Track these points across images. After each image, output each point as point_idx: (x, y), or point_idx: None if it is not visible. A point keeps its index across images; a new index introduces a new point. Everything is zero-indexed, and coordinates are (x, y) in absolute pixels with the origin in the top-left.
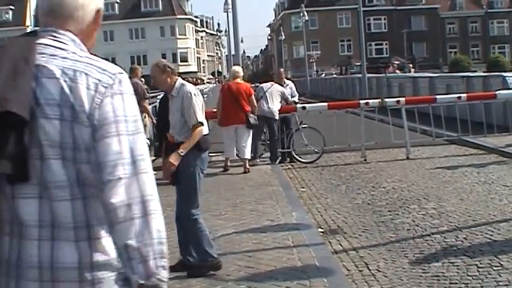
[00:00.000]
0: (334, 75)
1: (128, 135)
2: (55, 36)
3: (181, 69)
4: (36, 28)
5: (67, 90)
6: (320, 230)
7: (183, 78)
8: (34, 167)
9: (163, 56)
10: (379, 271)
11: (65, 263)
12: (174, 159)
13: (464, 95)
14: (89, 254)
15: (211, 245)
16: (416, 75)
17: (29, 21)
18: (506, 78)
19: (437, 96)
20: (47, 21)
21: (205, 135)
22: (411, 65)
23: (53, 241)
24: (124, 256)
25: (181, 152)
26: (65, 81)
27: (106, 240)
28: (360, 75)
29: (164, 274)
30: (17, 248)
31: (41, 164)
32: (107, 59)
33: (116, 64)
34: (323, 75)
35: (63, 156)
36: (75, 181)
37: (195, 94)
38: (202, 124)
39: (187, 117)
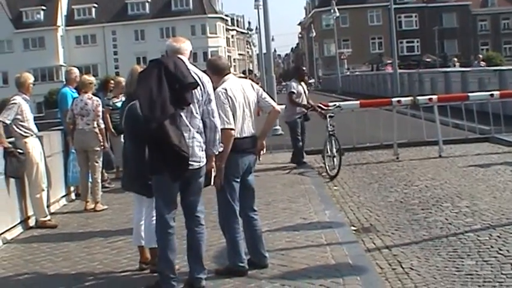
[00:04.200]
0: (357, 73)
1: (214, 100)
2: (183, 60)
3: None
4: (163, 55)
5: (201, 79)
6: (353, 228)
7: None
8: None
9: (194, 55)
10: (412, 269)
11: (197, 139)
12: (211, 165)
13: (497, 92)
14: (200, 138)
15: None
16: (448, 70)
17: (60, 21)
18: None
19: (470, 94)
20: (176, 54)
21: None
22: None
23: (193, 132)
24: (212, 142)
25: (220, 163)
26: (199, 76)
27: (203, 135)
28: (391, 71)
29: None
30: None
31: (192, 105)
32: (138, 58)
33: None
34: (347, 73)
35: (198, 103)
36: (200, 111)
37: (224, 94)
38: (226, 129)
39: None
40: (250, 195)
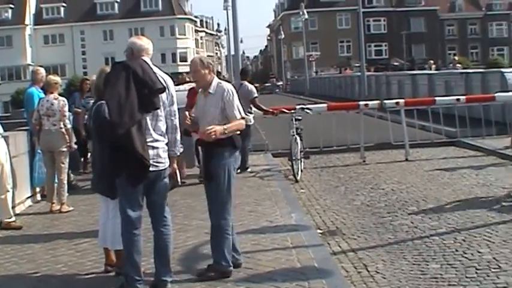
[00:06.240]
0: (322, 75)
1: (176, 102)
2: (146, 61)
3: (181, 69)
4: (124, 59)
5: (165, 81)
6: (319, 231)
7: (181, 75)
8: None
9: (163, 56)
10: (377, 273)
11: (161, 142)
12: (219, 129)
13: (463, 97)
14: (163, 140)
15: (229, 249)
16: (414, 72)
17: (28, 20)
18: (505, 74)
19: (437, 98)
20: (142, 55)
21: (238, 134)
22: None
23: (156, 135)
24: (173, 143)
25: (226, 129)
26: (164, 79)
27: (166, 136)
28: (359, 74)
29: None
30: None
31: (159, 108)
32: (106, 58)
33: None
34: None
35: (163, 106)
36: (164, 115)
37: (233, 91)
38: (244, 118)
39: (231, 113)
40: None
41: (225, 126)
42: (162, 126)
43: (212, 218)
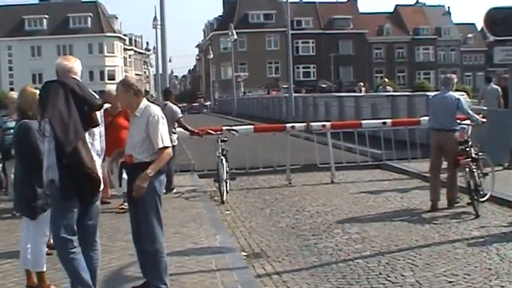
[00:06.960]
0: (249, 95)
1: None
2: (78, 80)
3: (108, 87)
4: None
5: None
6: (244, 253)
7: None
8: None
9: (91, 74)
10: None
11: (97, 162)
12: (142, 181)
13: (389, 120)
14: (99, 160)
15: (166, 272)
16: (342, 94)
17: None
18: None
19: (363, 122)
20: (69, 75)
21: None
22: None
23: (93, 153)
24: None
25: (150, 173)
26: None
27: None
28: (287, 95)
29: None
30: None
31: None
32: (34, 75)
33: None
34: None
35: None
36: (100, 134)
37: (162, 117)
38: (168, 147)
39: (154, 139)
40: None
41: (149, 170)
42: (98, 145)
43: (146, 243)
